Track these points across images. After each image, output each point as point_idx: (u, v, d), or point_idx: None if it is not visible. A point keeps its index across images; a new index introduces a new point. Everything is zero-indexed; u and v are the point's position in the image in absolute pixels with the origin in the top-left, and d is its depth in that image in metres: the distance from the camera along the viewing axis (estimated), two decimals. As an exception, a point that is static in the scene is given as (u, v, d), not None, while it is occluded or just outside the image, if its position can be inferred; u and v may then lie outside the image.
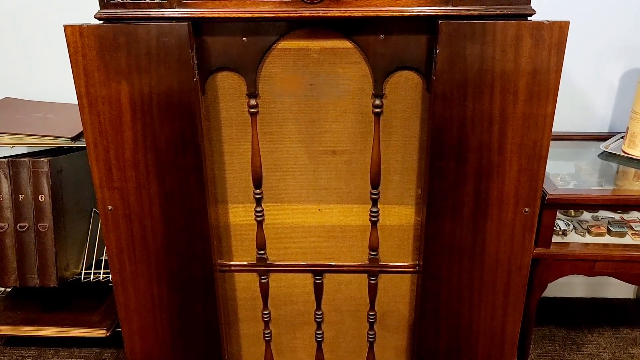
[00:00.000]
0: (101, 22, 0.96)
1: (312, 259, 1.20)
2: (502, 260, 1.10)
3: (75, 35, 0.95)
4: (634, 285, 1.88)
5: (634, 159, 1.48)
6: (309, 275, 1.21)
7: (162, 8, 0.95)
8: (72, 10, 1.57)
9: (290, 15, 0.95)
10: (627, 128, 1.50)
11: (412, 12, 0.94)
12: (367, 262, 1.19)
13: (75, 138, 1.36)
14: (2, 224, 1.34)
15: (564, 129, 1.66)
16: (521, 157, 1.01)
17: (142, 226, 1.10)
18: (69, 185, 1.40)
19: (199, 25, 0.98)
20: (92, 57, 0.97)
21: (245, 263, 1.20)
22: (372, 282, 1.21)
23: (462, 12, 0.93)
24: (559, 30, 0.92)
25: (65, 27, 0.95)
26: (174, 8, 0.95)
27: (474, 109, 0.98)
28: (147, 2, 0.95)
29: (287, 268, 1.21)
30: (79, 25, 0.95)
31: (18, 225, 1.34)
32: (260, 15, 0.95)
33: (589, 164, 1.53)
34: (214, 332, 1.20)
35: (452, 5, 0.93)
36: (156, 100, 1.00)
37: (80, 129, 1.38)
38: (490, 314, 1.16)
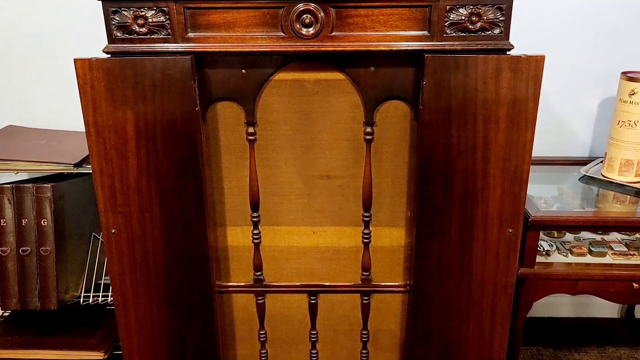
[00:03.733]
0: (109, 55, 1.02)
1: (307, 280, 1.24)
2: (488, 279, 1.15)
3: (84, 68, 1.01)
4: (618, 305, 1.93)
5: (612, 182, 1.54)
6: (304, 295, 1.25)
7: (166, 43, 1.02)
8: (77, 42, 1.62)
9: (287, 50, 1.02)
10: (606, 153, 1.57)
11: (400, 46, 1.01)
12: (360, 282, 1.24)
13: (78, 164, 1.40)
14: (5, 248, 1.37)
15: (548, 154, 1.73)
16: (504, 181, 1.08)
17: (143, 248, 1.14)
18: (70, 210, 1.44)
19: (201, 59, 1.05)
20: (100, 88, 1.02)
21: (242, 284, 1.24)
22: (364, 301, 1.25)
23: (447, 47, 1.00)
24: (535, 64, 0.99)
25: (75, 60, 1.00)
26: (178, 43, 1.02)
27: (459, 136, 1.05)
28: (153, 38, 1.01)
29: (283, 289, 1.25)
30: (89, 59, 1.00)
31: (20, 249, 1.37)
32: (259, 50, 1.02)
33: (571, 187, 1.60)
34: (212, 352, 1.23)
35: (437, 41, 1.01)
36: (159, 129, 1.05)
37: (82, 155, 1.42)
38: (478, 331, 1.20)
